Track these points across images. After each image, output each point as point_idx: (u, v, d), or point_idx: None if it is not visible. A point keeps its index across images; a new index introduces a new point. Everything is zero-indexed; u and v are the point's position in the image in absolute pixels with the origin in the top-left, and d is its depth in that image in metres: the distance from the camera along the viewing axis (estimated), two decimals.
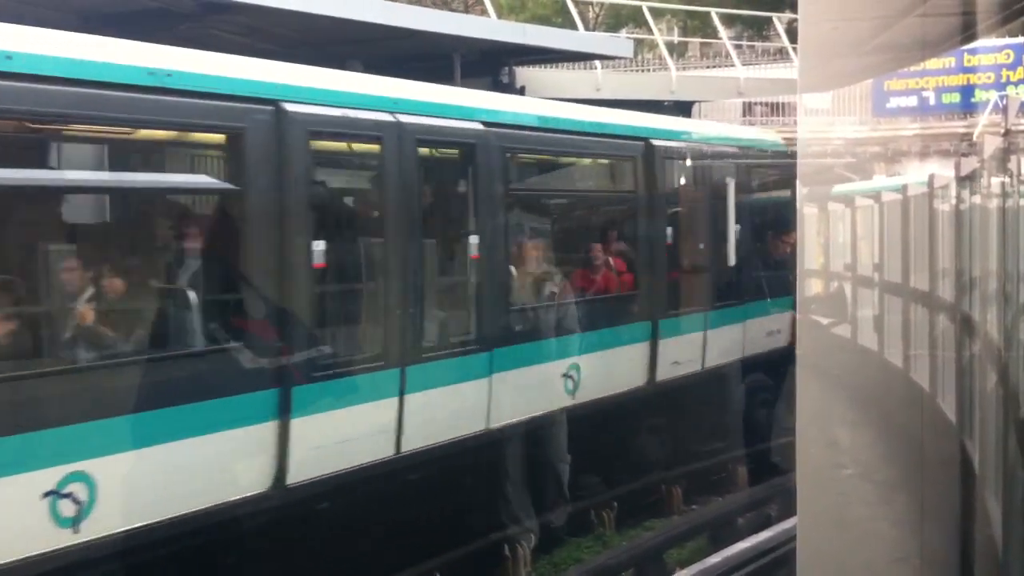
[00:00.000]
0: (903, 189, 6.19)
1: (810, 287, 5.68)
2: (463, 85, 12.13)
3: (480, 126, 9.35)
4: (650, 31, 21.92)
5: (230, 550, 7.08)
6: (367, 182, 8.94)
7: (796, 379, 3.94)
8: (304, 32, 11.11)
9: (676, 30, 32.92)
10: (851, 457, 4.87)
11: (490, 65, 13.52)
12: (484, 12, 18.16)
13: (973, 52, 5.52)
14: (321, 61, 8.89)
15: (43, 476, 5.97)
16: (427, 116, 8.82)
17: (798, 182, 4.11)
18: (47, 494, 5.98)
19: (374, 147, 8.42)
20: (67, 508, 6.06)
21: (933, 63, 5.70)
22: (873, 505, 4.71)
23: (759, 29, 30.09)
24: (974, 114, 6.26)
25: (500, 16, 22.94)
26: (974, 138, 5.89)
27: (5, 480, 5.81)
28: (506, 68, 13.78)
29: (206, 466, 6.79)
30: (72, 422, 6.11)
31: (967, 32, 3.98)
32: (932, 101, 6.96)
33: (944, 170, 5.91)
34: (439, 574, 8.54)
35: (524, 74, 14.49)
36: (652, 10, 21.64)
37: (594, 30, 29.04)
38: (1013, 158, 5.05)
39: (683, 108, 16.88)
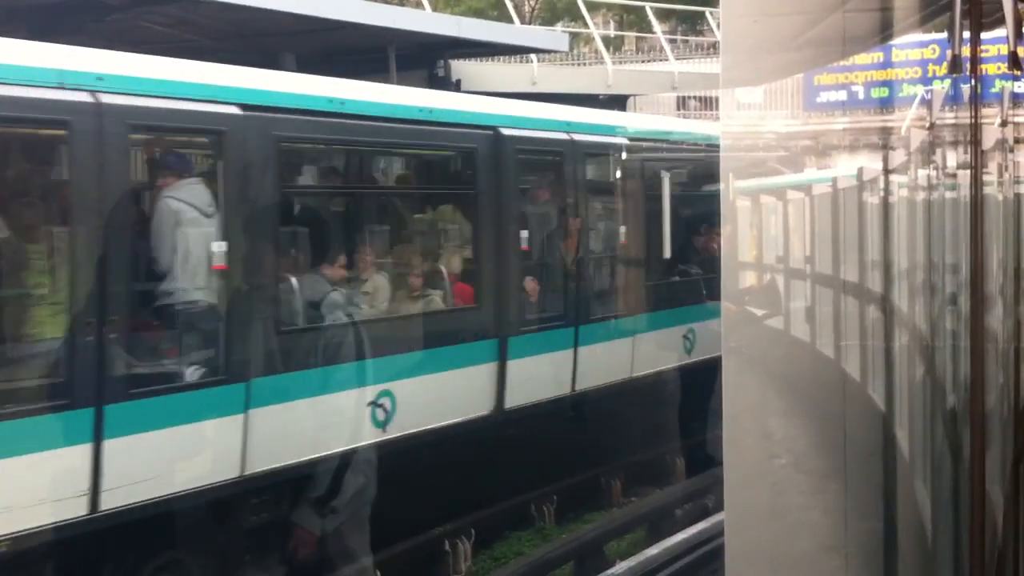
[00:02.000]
0: (833, 182, 6.27)
1: (741, 280, 5.73)
2: (398, 79, 12.06)
3: (237, 109, 7.62)
4: (586, 25, 21.98)
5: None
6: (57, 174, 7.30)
7: (725, 372, 3.96)
8: (235, 25, 10.97)
9: (612, 24, 33.06)
10: (783, 447, 4.92)
11: (425, 59, 13.47)
12: (419, 5, 18.07)
13: (900, 47, 5.60)
14: (253, 54, 8.77)
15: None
16: (151, 96, 7.15)
17: (723, 175, 4.15)
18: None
19: (60, 132, 6.90)
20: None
21: (862, 58, 5.77)
22: (805, 495, 4.77)
23: (693, 24, 30.34)
24: (902, 108, 6.36)
25: (435, 9, 22.85)
26: (902, 131, 5.98)
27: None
28: (441, 62, 13.73)
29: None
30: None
31: (889, 29, 4.03)
32: (861, 95, 7.04)
33: (873, 163, 5.99)
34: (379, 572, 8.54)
35: (460, 68, 14.45)
36: (588, 4, 21.71)
37: (530, 24, 29.07)
38: (938, 151, 5.14)
39: (619, 102, 16.95)
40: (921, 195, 5.37)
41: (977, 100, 3.41)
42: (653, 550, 9.55)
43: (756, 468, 4.08)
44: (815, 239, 6.46)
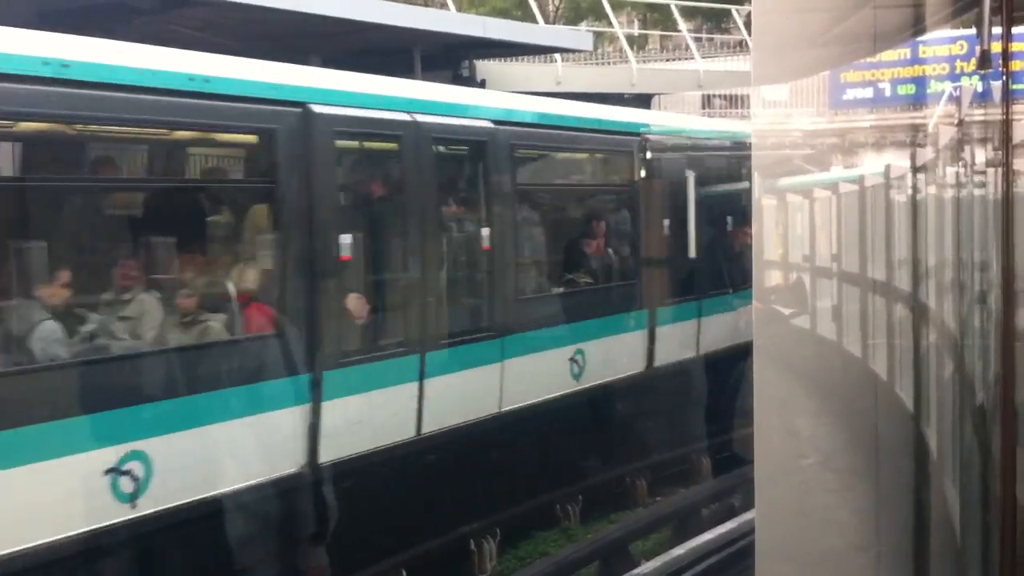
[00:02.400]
0: (860, 180, 6.25)
1: (769, 278, 5.72)
2: (424, 79, 12.10)
3: None
4: (610, 24, 21.96)
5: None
6: None
7: (754, 369, 3.96)
8: (263, 27, 11.05)
9: (636, 23, 33.00)
10: (811, 446, 4.91)
11: (451, 59, 13.51)
12: (444, 6, 18.12)
13: (927, 43, 5.57)
14: (280, 56, 8.82)
15: None
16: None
17: (754, 173, 4.13)
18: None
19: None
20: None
21: (888, 55, 5.74)
22: (833, 493, 4.75)
23: (718, 22, 30.23)
24: (929, 105, 6.32)
25: (460, 10, 22.90)
26: (929, 129, 5.94)
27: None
28: (466, 62, 13.77)
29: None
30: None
31: (919, 24, 4.01)
32: (888, 92, 7.00)
33: (900, 161, 5.96)
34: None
35: (485, 68, 14.48)
36: (612, 3, 21.69)
37: (554, 23, 29.05)
38: (967, 148, 5.11)
39: (643, 100, 16.92)
40: (949, 192, 5.35)
41: (1009, 96, 3.39)
42: (679, 550, 9.54)
43: (784, 466, 4.07)
44: (842, 237, 6.43)
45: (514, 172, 10.09)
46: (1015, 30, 3.73)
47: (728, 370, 12.10)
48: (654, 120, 13.71)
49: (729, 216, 13.33)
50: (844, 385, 5.50)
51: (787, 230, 6.52)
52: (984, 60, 3.88)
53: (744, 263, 12.64)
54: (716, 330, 12.76)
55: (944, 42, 5.74)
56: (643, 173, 11.87)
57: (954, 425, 4.90)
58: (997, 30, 3.76)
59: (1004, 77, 3.57)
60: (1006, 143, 3.72)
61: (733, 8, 24.34)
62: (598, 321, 11.11)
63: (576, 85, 15.68)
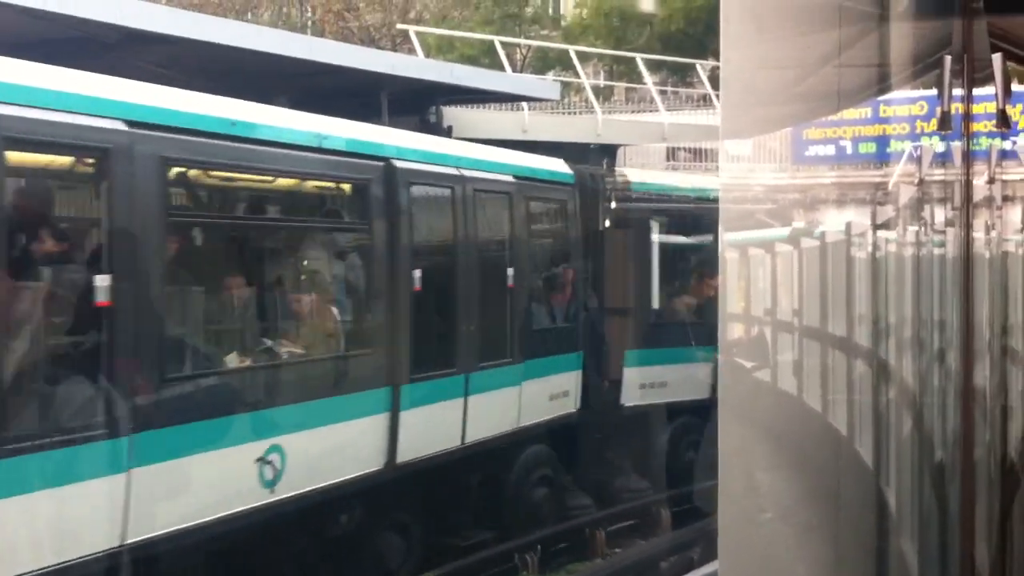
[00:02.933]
0: (821, 236, 6.30)
1: (732, 331, 5.73)
2: (391, 123, 12.10)
3: None
4: (577, 74, 22.15)
5: None
6: None
7: (719, 421, 3.96)
8: (230, 65, 11.02)
9: (602, 74, 33.35)
10: (771, 500, 4.90)
11: (418, 104, 13.54)
12: (412, 51, 18.21)
13: (889, 103, 5.65)
14: (248, 95, 8.80)
15: None
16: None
17: (720, 227, 4.17)
18: None
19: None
20: None
21: (850, 113, 5.82)
22: (792, 548, 4.73)
23: (683, 75, 30.62)
24: (889, 164, 6.41)
25: (428, 55, 23.02)
26: (889, 187, 6.02)
27: None
28: (434, 107, 13.81)
29: None
30: None
31: (882, 84, 4.07)
32: (849, 150, 7.10)
33: (861, 218, 6.02)
34: None
35: (451, 114, 14.53)
36: (579, 54, 21.89)
37: (521, 72, 29.29)
38: (926, 207, 5.17)
39: (608, 151, 17.04)
40: (909, 250, 5.40)
41: (969, 157, 3.44)
42: None
43: (744, 520, 4.05)
44: (803, 292, 6.47)
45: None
46: (975, 92, 3.80)
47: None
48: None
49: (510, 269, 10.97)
50: (804, 439, 5.50)
51: (749, 284, 6.55)
52: (944, 121, 3.94)
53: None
54: (493, 412, 10.34)
55: (905, 102, 5.83)
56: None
57: (913, 482, 4.91)
58: (957, 91, 3.82)
59: (965, 138, 3.62)
60: (966, 203, 3.77)
61: (697, 62, 24.66)
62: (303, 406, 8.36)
63: (542, 134, 15.77)
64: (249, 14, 31.95)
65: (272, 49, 10.59)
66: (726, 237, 3.97)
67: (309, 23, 34.55)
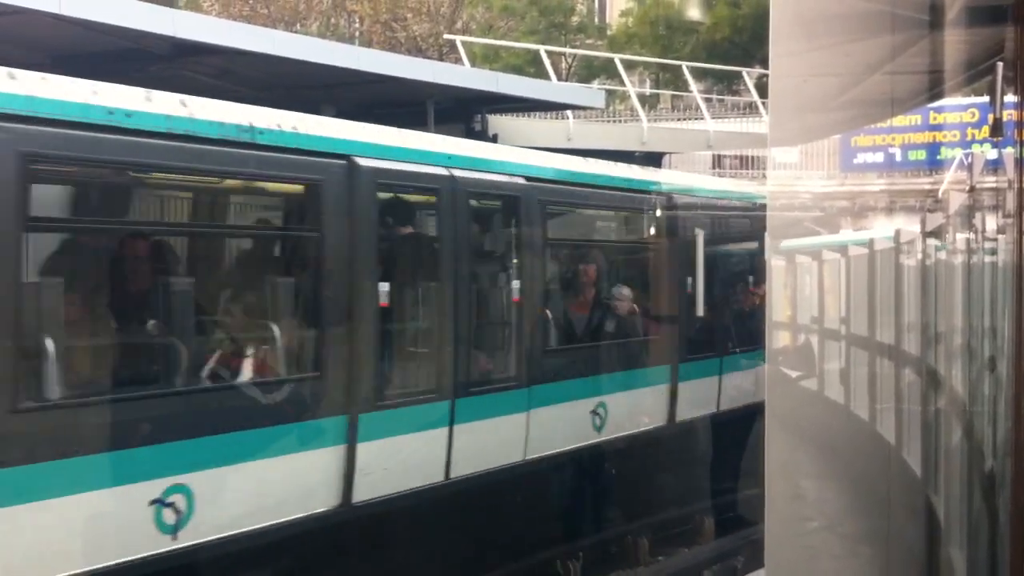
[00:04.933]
0: (870, 243, 6.26)
1: (778, 339, 5.71)
2: (436, 132, 12.18)
3: None
4: (622, 83, 22.13)
5: None
6: None
7: (764, 431, 3.94)
8: (276, 76, 11.14)
9: (648, 82, 33.31)
10: (817, 510, 4.87)
11: (463, 113, 13.59)
12: (458, 60, 18.29)
13: (939, 110, 5.61)
14: (293, 105, 8.89)
15: None
16: None
17: (767, 234, 4.15)
18: None
19: None
20: None
21: (899, 120, 5.79)
22: (839, 558, 4.70)
23: (729, 83, 30.49)
24: (940, 171, 6.35)
25: (474, 64, 23.12)
26: (940, 194, 5.97)
27: None
28: (479, 116, 13.86)
29: None
30: None
31: (934, 90, 4.04)
32: (898, 157, 7.05)
33: (910, 225, 5.98)
34: None
35: (497, 122, 14.57)
36: (624, 62, 21.84)
37: (566, 80, 29.32)
38: (978, 215, 5.12)
39: (654, 159, 17.02)
40: (960, 258, 5.35)
41: (1022, 164, 3.40)
42: None
43: (790, 529, 4.03)
44: (851, 300, 6.43)
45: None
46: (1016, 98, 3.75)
47: None
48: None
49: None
50: (851, 449, 5.46)
51: (795, 292, 6.52)
52: (996, 128, 3.90)
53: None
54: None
55: (956, 109, 5.78)
56: None
57: (962, 492, 4.85)
58: (1010, 98, 3.79)
59: (1018, 144, 3.59)
60: (1019, 210, 3.73)
61: (744, 70, 24.55)
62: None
63: (587, 142, 15.77)
64: (298, 25, 32.28)
65: (321, 59, 10.68)
66: (773, 244, 3.96)
67: (357, 34, 34.84)
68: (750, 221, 12.15)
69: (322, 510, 7.19)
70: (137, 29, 9.22)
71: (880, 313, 5.92)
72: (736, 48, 31.08)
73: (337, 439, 7.27)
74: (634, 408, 10.76)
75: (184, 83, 10.83)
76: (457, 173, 9.03)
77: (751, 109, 24.04)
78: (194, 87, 10.88)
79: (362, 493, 7.37)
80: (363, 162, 7.99)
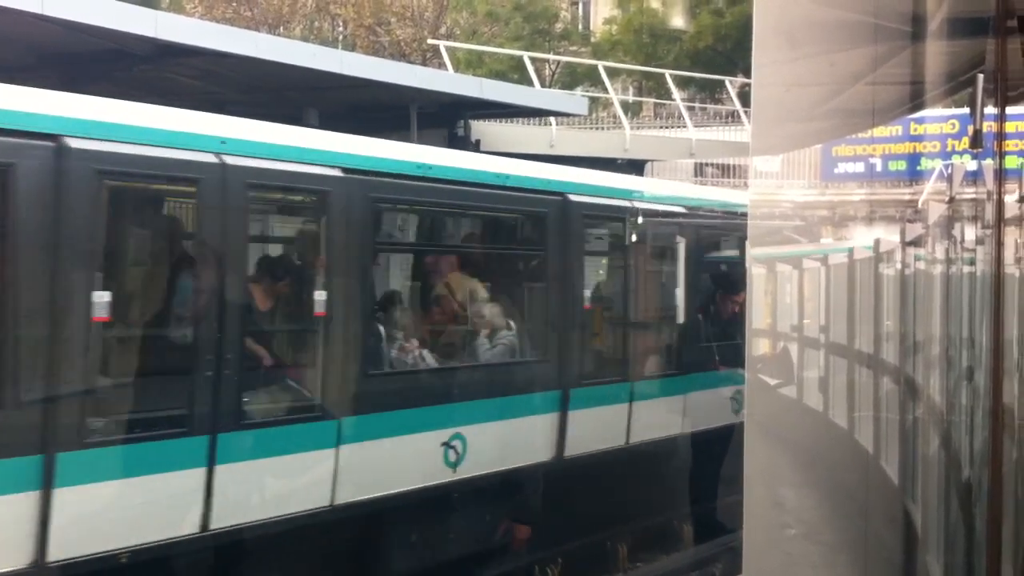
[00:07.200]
0: (849, 253, 6.29)
1: (758, 347, 5.73)
2: (419, 137, 12.17)
3: None
4: (605, 90, 22.18)
5: None
6: None
7: (745, 438, 3.95)
8: (260, 79, 11.12)
9: (631, 90, 33.40)
10: (796, 517, 4.88)
11: (446, 118, 13.60)
12: (442, 65, 18.29)
13: (920, 121, 5.65)
14: (276, 108, 8.88)
15: None
16: None
17: (747, 243, 4.18)
18: None
19: None
20: None
21: (880, 131, 5.82)
22: (817, 567, 4.72)
23: (712, 92, 30.61)
24: (919, 181, 6.39)
25: (457, 70, 23.13)
26: (919, 205, 6.00)
27: None
28: (462, 121, 13.86)
29: None
30: None
31: (915, 101, 4.07)
32: (879, 168, 7.10)
33: (889, 235, 6.01)
34: None
35: (480, 128, 14.58)
36: (607, 70, 21.90)
37: (550, 87, 29.37)
38: (957, 225, 5.16)
39: (636, 167, 17.06)
40: (938, 268, 5.39)
41: (1002, 175, 3.43)
42: None
43: (769, 536, 4.05)
44: (831, 309, 6.46)
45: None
46: (1008, 110, 3.79)
47: None
48: None
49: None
50: (830, 457, 5.48)
51: (776, 300, 6.54)
52: (976, 139, 3.93)
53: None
54: None
55: (936, 121, 5.82)
56: None
57: (939, 501, 4.88)
58: (990, 110, 3.82)
59: (997, 156, 3.62)
60: (998, 222, 3.76)
61: (726, 79, 24.65)
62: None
63: (570, 149, 15.80)
64: (281, 28, 32.22)
65: (304, 63, 10.67)
66: (753, 253, 3.98)
67: (340, 37, 34.80)
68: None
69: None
70: (118, 30, 9.19)
71: (860, 322, 5.95)
72: (719, 56, 31.21)
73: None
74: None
75: (166, 85, 10.79)
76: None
77: (733, 118, 24.14)
78: (175, 89, 10.84)
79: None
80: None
